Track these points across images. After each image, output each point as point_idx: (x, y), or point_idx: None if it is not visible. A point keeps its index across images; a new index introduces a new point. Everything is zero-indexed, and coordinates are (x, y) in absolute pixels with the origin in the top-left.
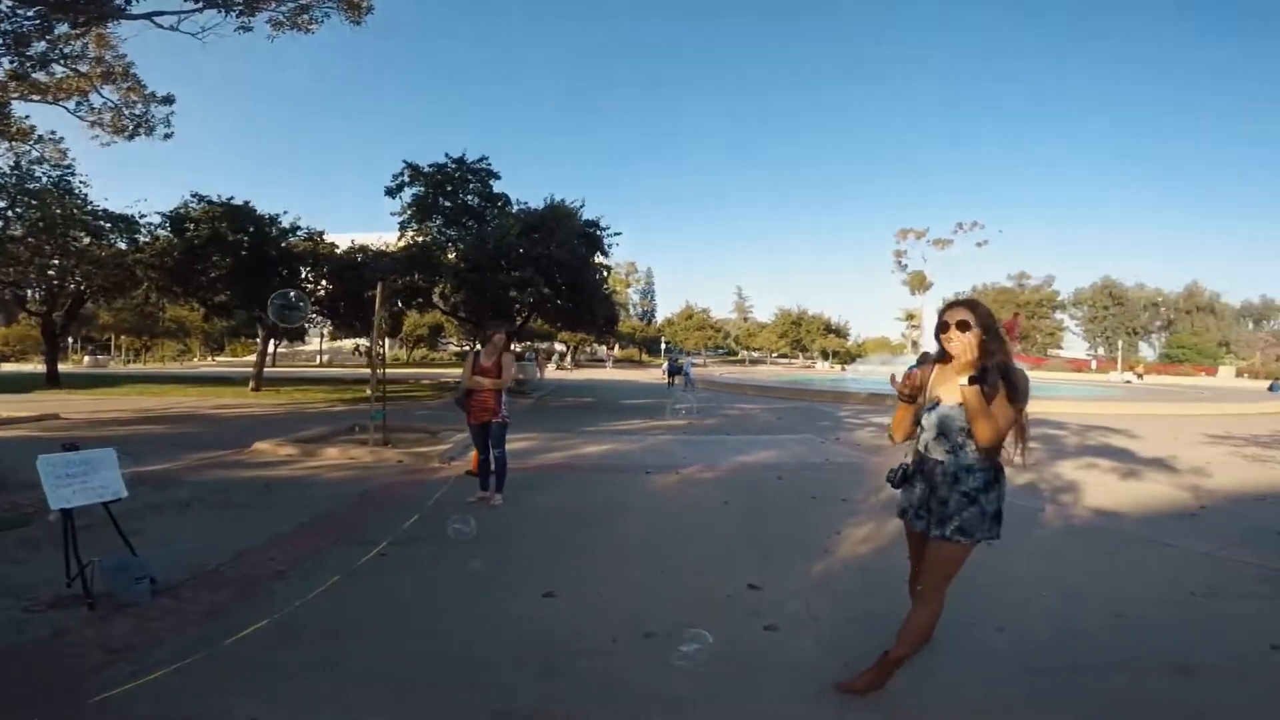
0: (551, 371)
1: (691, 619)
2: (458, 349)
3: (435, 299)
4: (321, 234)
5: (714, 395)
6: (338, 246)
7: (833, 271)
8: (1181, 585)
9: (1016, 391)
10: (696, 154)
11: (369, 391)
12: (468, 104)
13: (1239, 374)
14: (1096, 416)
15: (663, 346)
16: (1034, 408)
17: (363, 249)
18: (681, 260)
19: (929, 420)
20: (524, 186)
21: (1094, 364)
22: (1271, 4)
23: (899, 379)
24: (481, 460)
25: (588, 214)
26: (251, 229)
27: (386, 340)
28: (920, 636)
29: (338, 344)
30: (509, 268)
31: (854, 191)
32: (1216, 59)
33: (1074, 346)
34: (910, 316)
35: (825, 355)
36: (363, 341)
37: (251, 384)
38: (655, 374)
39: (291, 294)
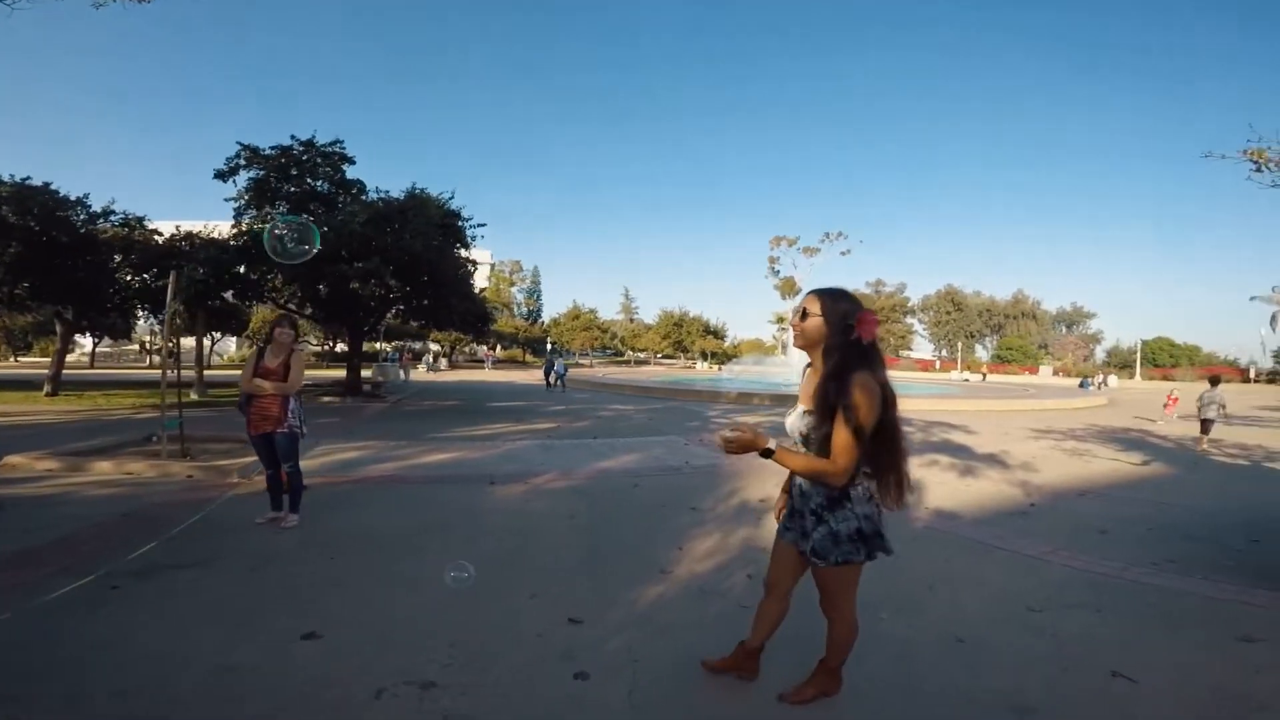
0: (422, 373)
1: (489, 665)
2: (317, 348)
3: (268, 293)
4: (140, 219)
5: (593, 395)
6: (160, 234)
7: (714, 276)
8: (1018, 597)
9: (847, 411)
10: (586, 157)
11: (163, 397)
12: (337, 92)
13: (1055, 372)
14: (940, 413)
15: (548, 347)
16: None
17: (188, 236)
18: (571, 261)
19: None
20: (399, 181)
21: (938, 364)
22: (1084, 29)
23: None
24: (270, 476)
25: (465, 210)
26: (39, 211)
27: (235, 340)
28: (841, 651)
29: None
30: (351, 259)
31: (734, 199)
32: (1041, 81)
33: (921, 348)
34: (780, 320)
35: (704, 356)
36: (150, 339)
37: (46, 388)
38: (537, 375)
39: (298, 220)
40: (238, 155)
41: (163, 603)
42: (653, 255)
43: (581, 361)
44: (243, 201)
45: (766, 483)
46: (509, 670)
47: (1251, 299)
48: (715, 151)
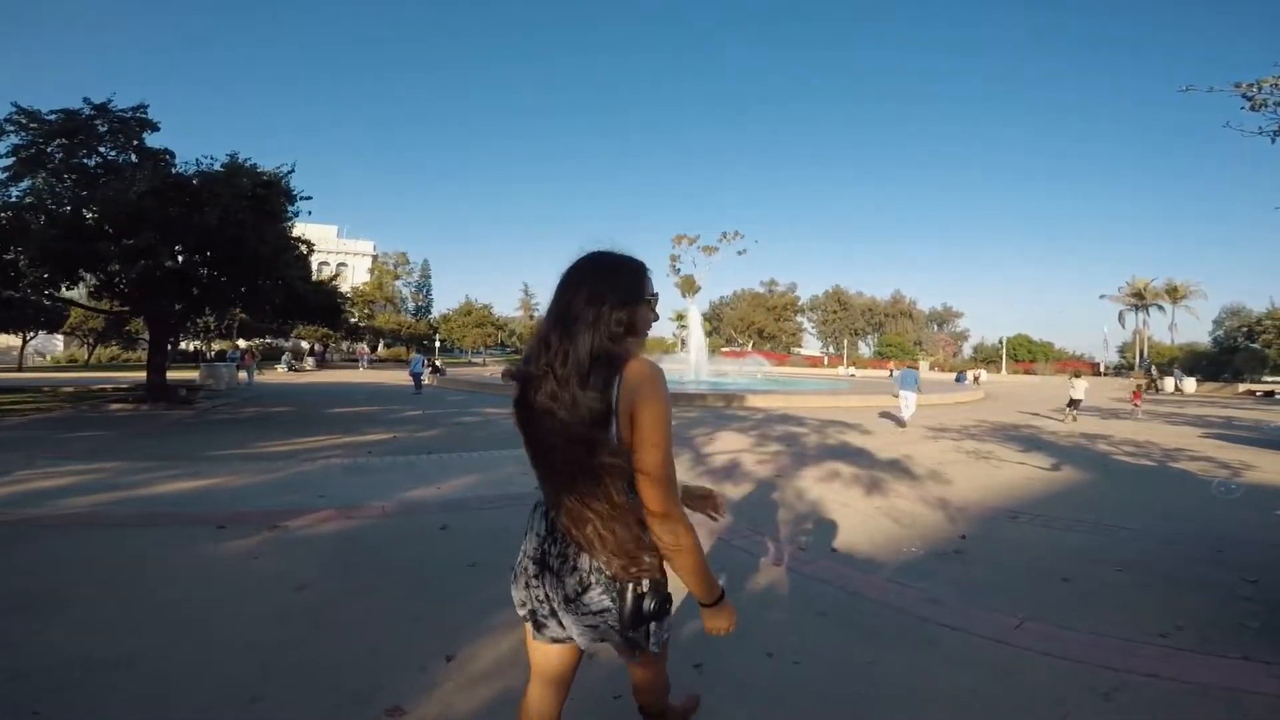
0: (280, 374)
1: None
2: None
3: (16, 279)
4: None
5: (469, 397)
6: None
7: None
8: None
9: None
10: (487, 148)
11: None
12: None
13: (932, 367)
14: (833, 410)
15: (436, 345)
16: (779, 403)
17: None
18: (466, 255)
19: None
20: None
21: (826, 360)
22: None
23: None
24: None
25: (289, 180)
26: None
27: (61, 338)
28: None
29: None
30: (118, 235)
31: (636, 196)
32: (915, 93)
33: (811, 345)
34: (680, 317)
35: None
36: None
37: None
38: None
39: None
40: (7, 118)
41: None
42: (555, 252)
43: (474, 360)
44: (9, 173)
45: None
46: None
47: (1101, 297)
48: (617, 146)
